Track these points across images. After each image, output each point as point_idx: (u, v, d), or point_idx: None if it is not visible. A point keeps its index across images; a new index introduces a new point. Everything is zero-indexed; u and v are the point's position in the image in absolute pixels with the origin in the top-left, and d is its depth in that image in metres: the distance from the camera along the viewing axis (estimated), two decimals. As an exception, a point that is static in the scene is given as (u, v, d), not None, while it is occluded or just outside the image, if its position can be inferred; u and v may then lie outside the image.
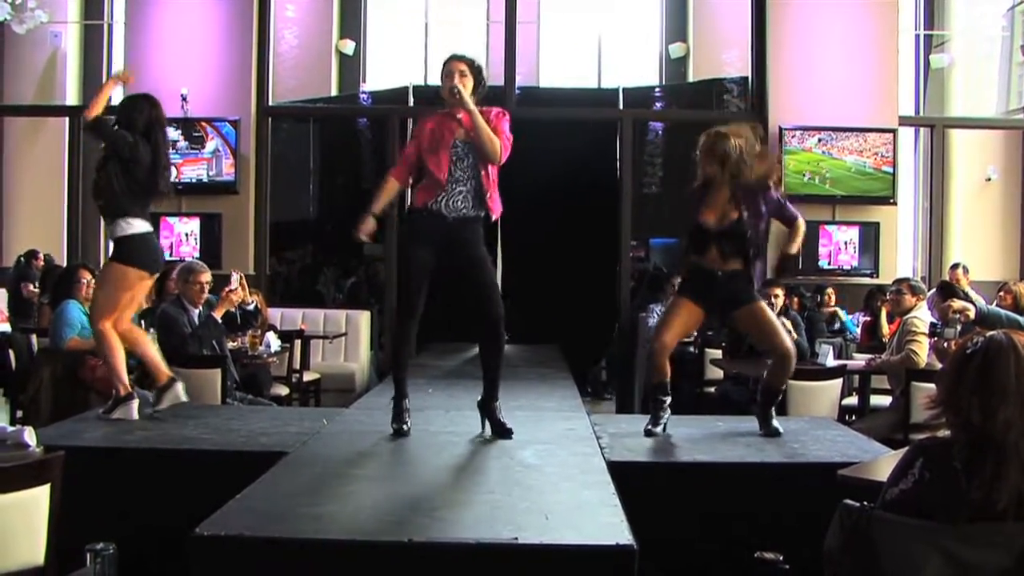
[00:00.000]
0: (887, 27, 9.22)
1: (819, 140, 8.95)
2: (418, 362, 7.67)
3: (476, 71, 4.52)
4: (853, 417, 6.50)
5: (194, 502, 3.15)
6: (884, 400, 6.51)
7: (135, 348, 4.99)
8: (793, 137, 8.93)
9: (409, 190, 4.85)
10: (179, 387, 4.95)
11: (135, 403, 4.80)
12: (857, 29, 9.14)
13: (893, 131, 9.05)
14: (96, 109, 4.81)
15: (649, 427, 4.59)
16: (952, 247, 10.21)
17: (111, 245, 4.93)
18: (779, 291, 7.01)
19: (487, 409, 4.59)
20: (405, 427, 4.55)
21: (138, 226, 4.81)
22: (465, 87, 4.44)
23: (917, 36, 11.52)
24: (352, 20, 13.91)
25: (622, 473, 3.75)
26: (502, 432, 4.50)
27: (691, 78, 13.23)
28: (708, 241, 4.55)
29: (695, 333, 7.89)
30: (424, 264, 4.46)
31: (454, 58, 4.54)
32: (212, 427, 4.62)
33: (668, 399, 4.66)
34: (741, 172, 4.45)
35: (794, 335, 6.60)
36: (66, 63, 11.60)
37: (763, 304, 4.69)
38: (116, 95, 5.23)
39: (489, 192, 4.47)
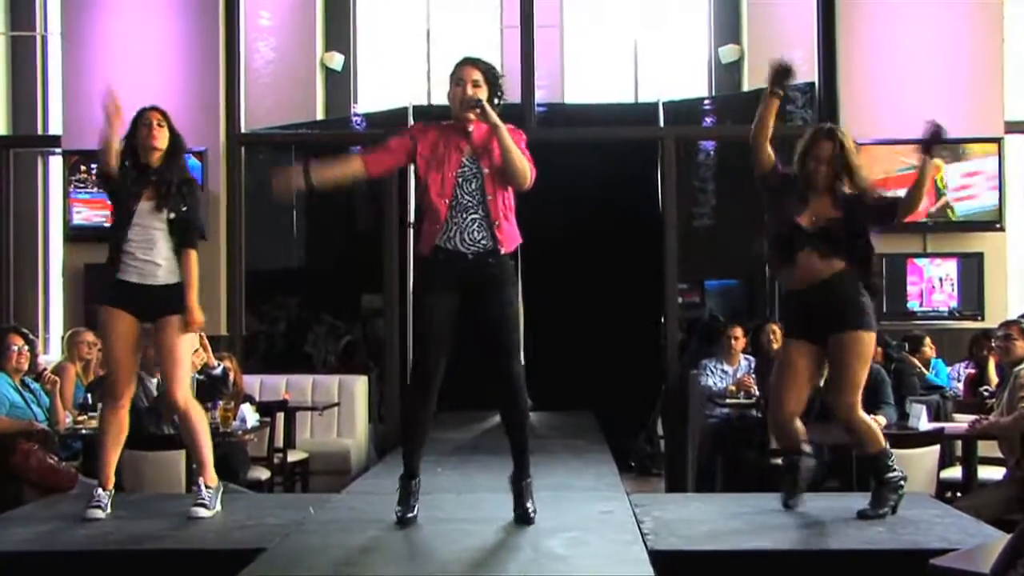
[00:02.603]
0: (989, 12, 9.06)
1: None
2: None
3: (492, 79, 4.56)
4: (957, 493, 6.41)
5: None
6: (996, 472, 6.41)
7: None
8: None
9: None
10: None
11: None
12: (950, 17, 8.99)
13: (999, 140, 8.98)
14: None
15: (787, 501, 4.81)
16: (1079, 280, 10.08)
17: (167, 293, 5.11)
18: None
19: (513, 486, 4.61)
20: (411, 514, 4.55)
21: None
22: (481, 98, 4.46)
23: (1030, 22, 11.44)
24: (340, 29, 14.00)
25: (669, 564, 3.74)
26: (522, 516, 4.51)
27: (746, 86, 13.22)
28: (800, 244, 4.66)
29: (757, 393, 7.78)
30: (448, 312, 4.47)
31: (466, 63, 4.58)
32: (174, 521, 4.61)
33: (804, 458, 4.90)
34: (853, 174, 4.71)
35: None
36: (-11, 82, 11.69)
37: (865, 339, 4.69)
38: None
39: (498, 221, 4.48)
